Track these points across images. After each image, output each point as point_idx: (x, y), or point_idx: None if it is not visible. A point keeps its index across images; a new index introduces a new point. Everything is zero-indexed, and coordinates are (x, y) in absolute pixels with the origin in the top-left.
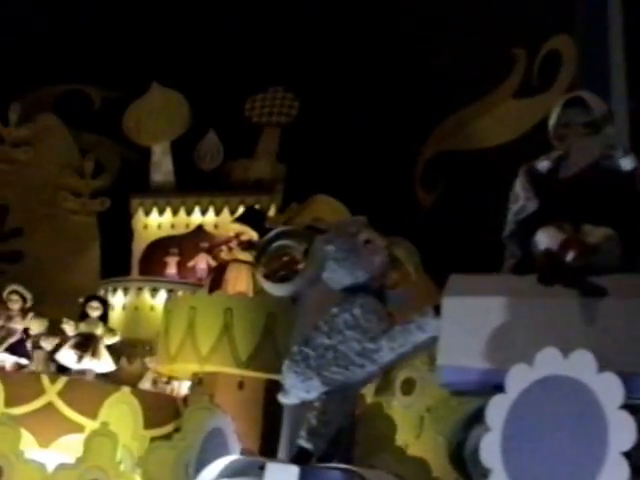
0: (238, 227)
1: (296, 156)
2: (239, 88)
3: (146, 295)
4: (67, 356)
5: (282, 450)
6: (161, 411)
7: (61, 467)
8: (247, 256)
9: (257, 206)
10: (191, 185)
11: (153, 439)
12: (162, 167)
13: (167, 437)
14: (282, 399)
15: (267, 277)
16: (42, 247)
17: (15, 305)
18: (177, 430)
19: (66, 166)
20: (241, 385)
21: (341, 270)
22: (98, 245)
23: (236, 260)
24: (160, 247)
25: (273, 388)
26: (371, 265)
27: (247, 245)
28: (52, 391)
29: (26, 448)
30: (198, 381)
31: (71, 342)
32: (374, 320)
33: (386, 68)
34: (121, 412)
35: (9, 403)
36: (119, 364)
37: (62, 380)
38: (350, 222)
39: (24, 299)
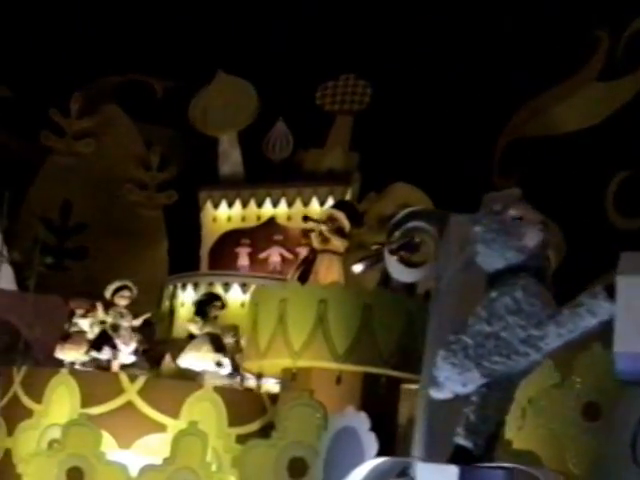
0: (332, 212)
1: (369, 144)
2: (309, 76)
3: (218, 290)
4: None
5: (418, 448)
6: (246, 408)
7: (147, 469)
8: (340, 244)
9: (331, 197)
10: (260, 176)
11: (239, 437)
12: (230, 158)
13: (259, 435)
14: (435, 394)
15: (400, 261)
16: (108, 242)
17: (124, 301)
18: (267, 427)
19: (131, 158)
20: (339, 380)
21: (491, 252)
22: (165, 239)
23: (326, 250)
24: (230, 240)
25: (370, 382)
26: (523, 244)
27: (340, 233)
28: (132, 390)
29: (106, 449)
30: (292, 377)
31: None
32: (538, 304)
33: (461, 52)
34: (204, 410)
35: (87, 403)
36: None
37: (142, 379)
38: (497, 197)
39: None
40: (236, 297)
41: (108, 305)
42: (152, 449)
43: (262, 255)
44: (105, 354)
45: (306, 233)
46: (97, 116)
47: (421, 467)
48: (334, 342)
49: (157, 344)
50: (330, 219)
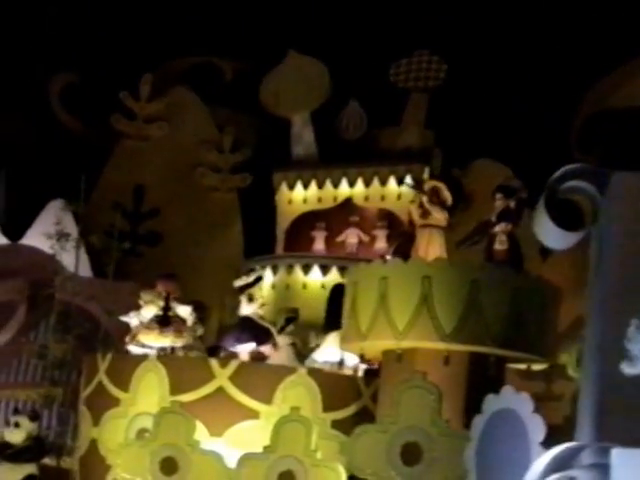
0: (434, 183)
1: (446, 121)
2: (382, 53)
3: (298, 272)
4: None
5: (586, 431)
6: (341, 392)
7: (247, 458)
8: (442, 217)
9: (408, 175)
10: (334, 156)
11: (334, 423)
12: (303, 139)
13: (354, 420)
14: (628, 369)
15: (559, 224)
16: (182, 227)
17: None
18: (363, 412)
19: (203, 141)
20: (447, 360)
21: None
22: (239, 222)
23: (427, 225)
24: (306, 222)
25: (478, 362)
26: None
27: (442, 206)
28: (223, 376)
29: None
30: (397, 358)
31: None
32: None
33: (539, 23)
34: (298, 395)
35: (176, 390)
36: None
37: (233, 364)
38: None
39: None
40: (316, 279)
41: None
42: (245, 437)
43: (339, 238)
44: None
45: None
46: (168, 99)
47: (619, 453)
48: (440, 321)
49: None
50: (431, 191)
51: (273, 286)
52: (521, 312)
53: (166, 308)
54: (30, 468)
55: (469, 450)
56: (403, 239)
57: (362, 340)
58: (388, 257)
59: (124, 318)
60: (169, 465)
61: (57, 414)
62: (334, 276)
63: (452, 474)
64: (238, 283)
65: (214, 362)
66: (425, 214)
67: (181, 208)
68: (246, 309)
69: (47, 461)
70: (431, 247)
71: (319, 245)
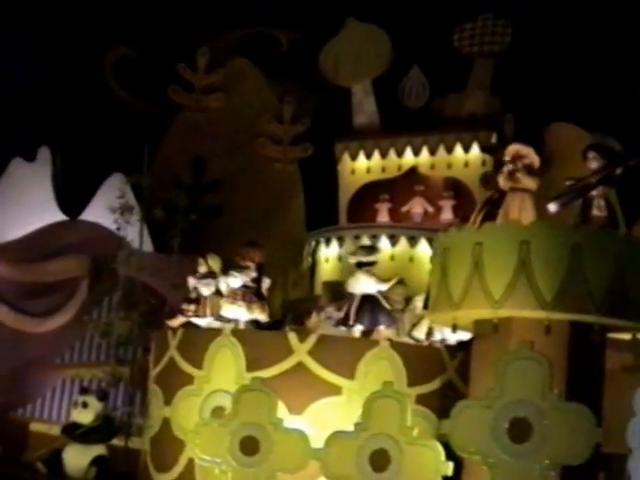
0: (518, 148)
1: (513, 86)
2: (444, 18)
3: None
4: None
5: None
6: (425, 365)
7: (335, 437)
8: (531, 182)
9: (475, 142)
10: (397, 125)
11: (419, 397)
12: (364, 108)
13: (439, 395)
14: None
15: None
16: (243, 199)
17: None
18: (448, 386)
19: (263, 112)
20: (548, 330)
21: None
22: (301, 193)
23: (517, 189)
24: (370, 192)
25: (579, 332)
26: None
27: (530, 170)
28: (302, 350)
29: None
30: (493, 328)
31: None
32: None
33: None
34: (381, 369)
35: (252, 366)
36: None
37: (312, 337)
38: None
39: None
40: (385, 249)
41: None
42: (327, 415)
43: (403, 208)
44: None
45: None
46: (226, 70)
47: None
48: (540, 288)
49: (300, 302)
50: (516, 157)
51: (339, 258)
52: (625, 278)
53: (258, 279)
54: (99, 449)
55: (634, 426)
56: (490, 205)
57: (454, 310)
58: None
59: (202, 286)
60: (250, 445)
61: (123, 393)
62: (403, 247)
63: (566, 451)
64: (354, 259)
65: (292, 336)
66: (513, 178)
67: (242, 180)
68: (368, 287)
69: (115, 442)
70: (524, 212)
71: (383, 216)
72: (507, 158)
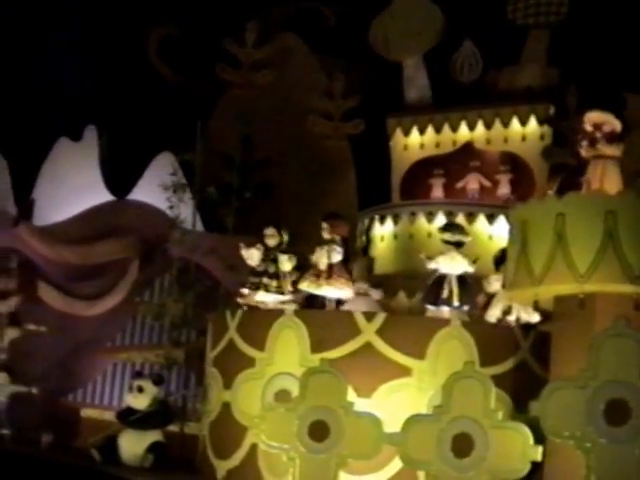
0: (598, 116)
1: (573, 57)
2: None
3: (421, 220)
4: None
5: None
6: (498, 345)
7: (414, 421)
8: (614, 149)
9: (533, 116)
10: (449, 99)
11: (492, 378)
12: (416, 82)
13: (513, 375)
14: None
15: None
16: (293, 177)
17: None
18: (521, 366)
19: (313, 88)
20: (638, 305)
21: None
22: (353, 170)
23: (600, 156)
24: (423, 169)
25: None
26: None
27: (612, 137)
28: (369, 330)
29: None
30: (578, 304)
31: None
32: None
33: None
34: (452, 349)
35: (318, 347)
36: (396, 298)
37: (380, 317)
38: None
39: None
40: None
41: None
42: (396, 397)
43: (458, 184)
44: None
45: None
46: (274, 45)
47: None
48: (628, 260)
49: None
50: (596, 125)
51: (395, 236)
52: None
53: (346, 254)
54: (155, 435)
55: None
56: (567, 173)
57: (536, 285)
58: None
59: (284, 261)
60: (319, 430)
61: (177, 377)
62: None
63: None
64: (454, 238)
65: (359, 316)
66: (594, 147)
67: (292, 158)
68: (463, 267)
69: (169, 427)
70: (607, 180)
71: (437, 192)
72: (587, 127)
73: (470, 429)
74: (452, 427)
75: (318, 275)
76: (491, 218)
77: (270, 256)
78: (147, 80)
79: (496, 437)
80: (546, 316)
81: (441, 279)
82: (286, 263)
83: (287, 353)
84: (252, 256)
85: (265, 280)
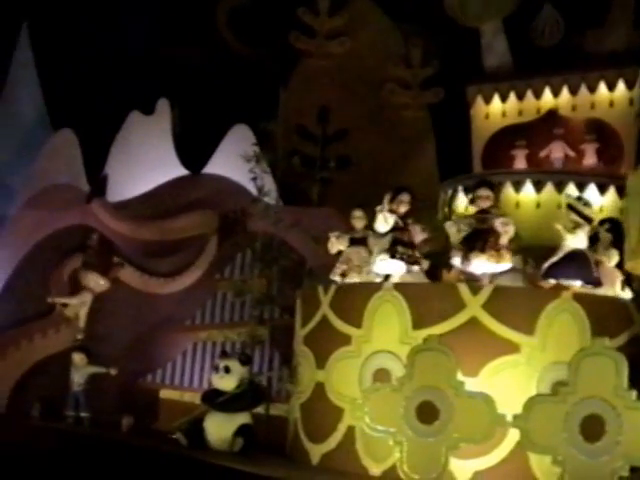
0: None
1: None
2: None
3: (509, 190)
4: None
5: None
6: (611, 319)
7: (536, 401)
8: None
9: (620, 80)
10: (530, 65)
11: None
12: (495, 49)
13: (626, 351)
14: None
15: None
16: (371, 148)
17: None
18: (635, 340)
19: (390, 56)
20: None
21: None
22: (433, 140)
23: None
24: (505, 137)
25: None
26: None
27: None
28: (475, 304)
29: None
30: None
31: None
32: None
33: None
34: (562, 324)
35: (419, 323)
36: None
37: (486, 290)
38: None
39: None
40: (530, 196)
41: None
42: (505, 376)
43: (542, 153)
44: None
45: None
46: (349, 13)
47: None
48: None
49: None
50: None
51: None
52: None
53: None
54: (244, 418)
55: None
56: None
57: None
58: None
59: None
60: (427, 412)
61: (261, 356)
62: (549, 193)
63: None
64: (588, 211)
65: (464, 288)
66: None
67: (370, 129)
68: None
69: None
70: None
71: (520, 161)
72: None
73: (601, 410)
74: (581, 408)
75: (499, 249)
76: (581, 187)
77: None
78: (219, 50)
79: (631, 419)
80: None
81: (574, 254)
82: (420, 233)
83: (386, 330)
84: (388, 221)
85: (400, 249)
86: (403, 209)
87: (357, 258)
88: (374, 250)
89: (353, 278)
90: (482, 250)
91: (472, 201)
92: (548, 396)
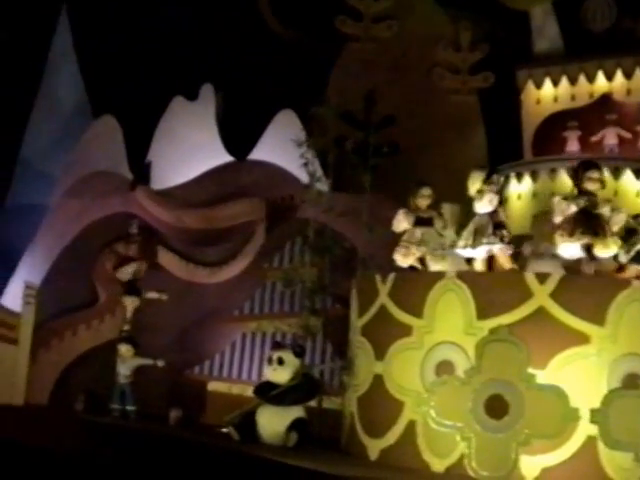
0: None
1: None
2: None
3: (564, 177)
4: None
5: None
6: None
7: (615, 397)
8: None
9: None
10: (582, 49)
11: None
12: (546, 32)
13: None
14: None
15: None
16: (419, 134)
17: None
18: None
19: (438, 39)
20: None
21: None
22: (482, 126)
23: None
24: (556, 122)
25: None
26: None
27: None
28: (542, 293)
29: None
30: None
31: None
32: None
33: None
34: (634, 312)
35: (484, 313)
36: None
37: (554, 278)
38: None
39: None
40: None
41: None
42: (574, 368)
43: (595, 138)
44: None
45: None
46: None
47: None
48: None
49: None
50: None
51: (534, 194)
52: None
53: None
54: (297, 411)
55: None
56: None
57: None
58: None
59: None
60: (497, 406)
61: (313, 347)
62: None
63: None
64: None
65: (531, 277)
66: None
67: (418, 114)
68: None
69: None
70: None
71: (572, 147)
72: None
73: None
74: None
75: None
76: (638, 173)
77: None
78: (263, 34)
79: None
80: None
81: None
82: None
83: (449, 320)
84: (493, 202)
85: (505, 232)
86: (425, 203)
87: (429, 238)
88: (464, 232)
89: (413, 259)
90: (600, 236)
91: (578, 183)
92: (628, 391)
